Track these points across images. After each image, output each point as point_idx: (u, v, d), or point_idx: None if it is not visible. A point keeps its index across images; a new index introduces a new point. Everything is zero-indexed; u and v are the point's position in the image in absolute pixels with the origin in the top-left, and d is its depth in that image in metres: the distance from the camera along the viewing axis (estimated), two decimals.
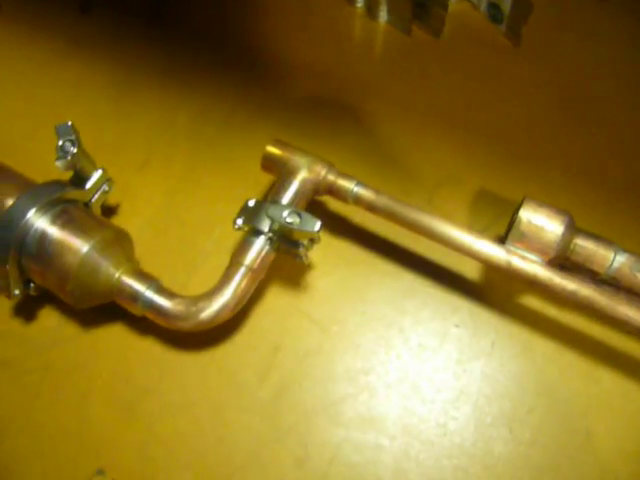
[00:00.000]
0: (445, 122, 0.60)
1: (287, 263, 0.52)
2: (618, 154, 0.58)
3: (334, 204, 0.56)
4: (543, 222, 0.46)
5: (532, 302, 0.52)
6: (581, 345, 0.50)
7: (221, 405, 0.49)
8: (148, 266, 0.51)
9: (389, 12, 0.65)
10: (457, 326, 0.51)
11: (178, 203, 0.57)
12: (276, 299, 0.53)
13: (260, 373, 0.50)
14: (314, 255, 0.53)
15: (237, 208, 0.50)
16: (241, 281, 0.48)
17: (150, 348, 0.51)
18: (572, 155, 0.58)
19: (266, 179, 0.57)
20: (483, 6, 0.64)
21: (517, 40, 0.63)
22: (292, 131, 0.58)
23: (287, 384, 0.50)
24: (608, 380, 0.49)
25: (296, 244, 0.48)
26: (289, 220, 0.45)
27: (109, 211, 0.56)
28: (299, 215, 0.45)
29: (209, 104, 0.62)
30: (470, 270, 0.53)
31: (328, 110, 0.61)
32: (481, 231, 0.48)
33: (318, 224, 0.45)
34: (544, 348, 0.51)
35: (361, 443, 0.48)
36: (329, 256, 0.54)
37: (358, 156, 0.58)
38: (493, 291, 0.53)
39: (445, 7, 0.61)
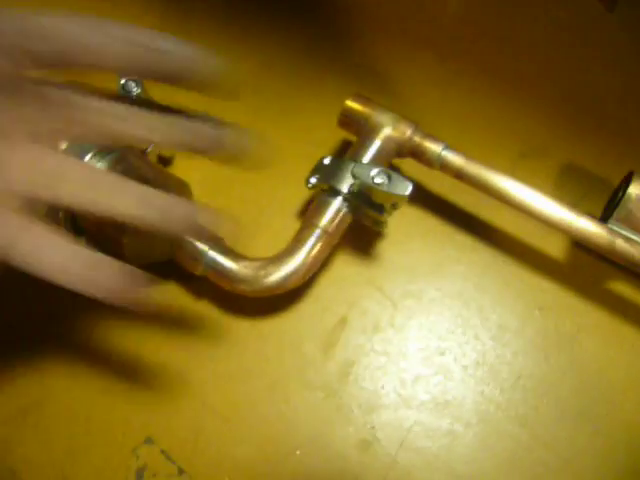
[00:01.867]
0: (531, 88, 0.55)
1: (357, 230, 0.48)
2: None
3: (409, 169, 0.51)
4: None
5: (622, 288, 0.48)
6: None
7: (281, 378, 0.46)
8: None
9: None
10: (541, 309, 0.47)
11: None
12: (344, 267, 0.49)
13: (325, 347, 0.46)
14: (388, 224, 0.48)
15: (304, 167, 0.45)
16: (315, 245, 0.43)
17: (205, 312, 0.47)
18: None
19: (335, 137, 0.52)
20: None
21: (612, 4, 0.58)
22: (366, 87, 0.53)
23: (354, 360, 0.46)
24: None
25: (377, 208, 0.43)
26: (378, 180, 0.41)
27: (164, 162, 0.52)
28: (388, 176, 0.41)
29: (275, 55, 0.57)
30: (556, 249, 0.49)
31: (409, 69, 0.56)
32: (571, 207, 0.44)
33: (410, 187, 0.41)
34: (634, 339, 0.47)
35: (433, 428, 0.44)
36: (403, 225, 0.50)
37: (438, 119, 0.53)
38: (580, 274, 0.48)
39: None
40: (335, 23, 0.59)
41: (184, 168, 0.52)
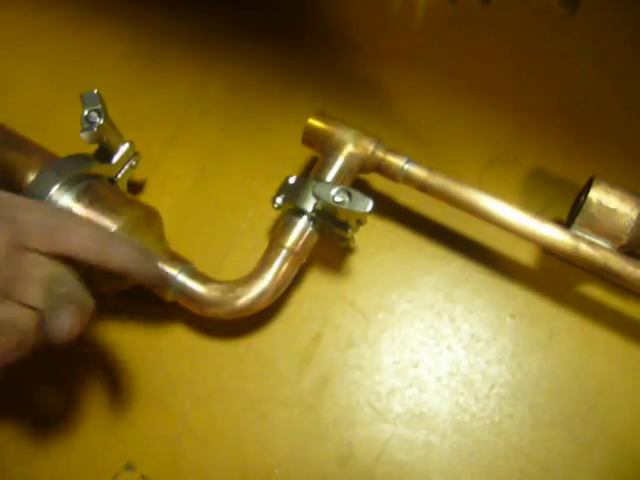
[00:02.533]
0: (496, 96, 0.56)
1: (327, 245, 0.48)
2: None
3: (376, 182, 0.52)
4: (616, 204, 0.42)
5: (593, 291, 0.48)
6: None
7: (258, 397, 0.46)
8: (178, 247, 0.47)
9: None
10: (512, 316, 0.47)
11: (209, 180, 0.53)
12: (315, 284, 0.49)
13: (300, 364, 0.47)
14: (356, 238, 0.49)
15: (272, 186, 0.46)
16: (282, 265, 0.44)
17: (180, 335, 0.48)
18: (637, 135, 0.53)
19: (303, 155, 0.53)
20: None
21: (573, 7, 0.58)
22: (332, 104, 0.54)
23: (329, 376, 0.46)
24: None
25: (342, 225, 0.44)
26: (338, 199, 0.41)
27: (135, 188, 0.52)
28: (349, 194, 0.41)
29: (243, 75, 0.58)
30: (525, 256, 0.49)
31: (371, 83, 0.57)
32: (538, 213, 0.44)
33: (370, 204, 0.41)
34: (607, 342, 0.47)
35: (410, 440, 0.44)
36: (372, 238, 0.50)
37: (404, 132, 0.54)
38: (551, 279, 0.49)
39: None
40: (301, 43, 0.60)
41: (155, 193, 0.53)
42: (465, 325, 0.47)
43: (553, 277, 0.49)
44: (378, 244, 0.50)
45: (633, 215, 0.42)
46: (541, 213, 0.50)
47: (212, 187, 0.53)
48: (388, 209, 0.51)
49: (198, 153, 0.55)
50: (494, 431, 0.44)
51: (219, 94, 0.57)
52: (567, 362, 0.46)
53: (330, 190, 0.42)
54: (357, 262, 0.50)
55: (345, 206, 0.41)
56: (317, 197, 0.42)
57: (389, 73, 0.57)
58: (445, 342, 0.47)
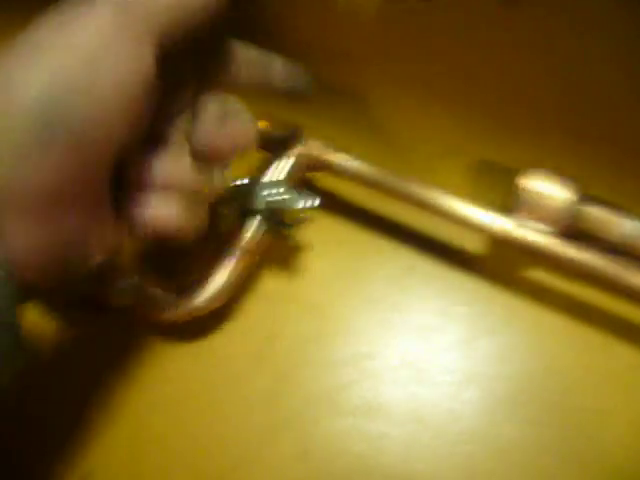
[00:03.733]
0: (442, 92, 0.57)
1: (279, 245, 0.49)
2: (623, 119, 0.56)
3: (325, 181, 0.53)
4: (550, 190, 0.44)
5: (540, 276, 0.50)
6: (593, 320, 0.48)
7: (217, 397, 0.46)
8: (133, 254, 0.48)
9: None
10: (462, 304, 0.49)
11: None
12: (269, 284, 0.50)
13: (257, 362, 0.47)
14: (307, 236, 0.50)
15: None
16: (236, 264, 0.45)
17: (136, 340, 0.48)
18: (575, 122, 0.55)
19: (258, 157, 0.53)
20: None
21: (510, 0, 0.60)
22: (283, 106, 0.54)
23: (286, 373, 0.47)
24: (622, 355, 0.47)
25: (290, 223, 0.45)
26: (283, 197, 0.42)
27: None
28: (294, 192, 0.43)
29: None
30: (474, 245, 0.51)
31: (321, 85, 0.58)
32: (488, 203, 0.45)
33: (316, 200, 0.42)
34: (554, 324, 0.48)
35: (367, 432, 0.45)
36: (323, 237, 0.51)
37: (354, 131, 0.55)
38: (498, 266, 0.50)
39: None
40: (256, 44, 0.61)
41: None
42: (416, 315, 0.48)
43: (500, 264, 0.50)
44: (329, 242, 0.51)
45: (566, 199, 0.43)
46: (491, 202, 0.51)
47: None
48: (337, 207, 0.52)
49: None
50: (449, 418, 0.45)
51: None
52: (519, 346, 0.48)
53: (276, 189, 0.42)
54: (309, 260, 0.50)
55: (289, 203, 0.42)
56: (263, 196, 0.43)
57: (337, 74, 0.58)
58: (398, 333, 0.48)
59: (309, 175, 0.50)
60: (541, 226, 0.44)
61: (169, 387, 0.46)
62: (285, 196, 0.42)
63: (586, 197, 0.45)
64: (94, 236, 0.29)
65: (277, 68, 0.39)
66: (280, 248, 0.50)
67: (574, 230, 0.45)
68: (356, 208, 0.52)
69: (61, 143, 0.24)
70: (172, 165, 0.31)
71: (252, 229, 0.45)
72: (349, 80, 0.58)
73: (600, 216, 0.44)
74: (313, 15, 0.62)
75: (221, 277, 0.44)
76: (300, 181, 0.48)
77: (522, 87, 0.58)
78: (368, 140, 0.55)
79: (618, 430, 0.45)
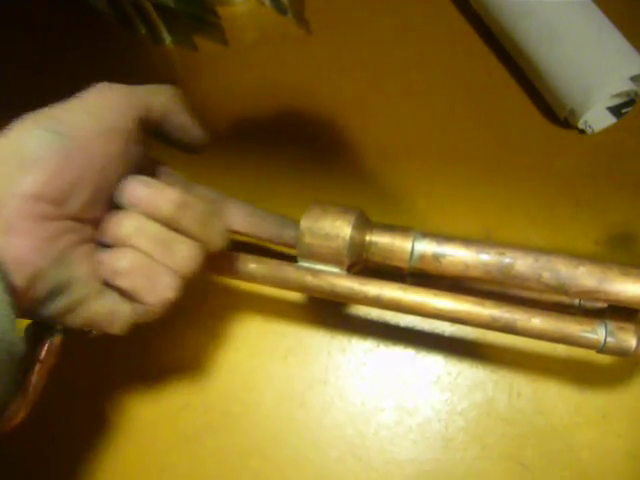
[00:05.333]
0: (253, 132, 0.55)
1: None
2: (429, 122, 0.54)
3: None
4: (328, 229, 0.41)
5: (361, 310, 0.48)
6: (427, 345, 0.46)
7: None
8: None
9: (170, 33, 0.60)
10: (287, 355, 0.47)
11: None
12: None
13: None
14: None
15: None
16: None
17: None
18: (380, 133, 0.54)
19: None
20: (267, 1, 0.60)
21: (306, 26, 0.58)
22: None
23: None
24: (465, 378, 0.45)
25: None
26: None
27: None
28: None
29: None
30: (293, 296, 0.49)
31: None
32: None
33: None
34: (384, 359, 0.46)
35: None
36: None
37: None
38: (316, 314, 0.48)
39: (216, 14, 0.56)
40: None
41: None
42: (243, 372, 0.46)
43: (317, 313, 0.48)
44: None
45: (346, 234, 0.41)
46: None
47: None
48: None
49: None
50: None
51: None
52: (346, 387, 0.45)
53: None
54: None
55: None
56: None
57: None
58: (220, 399, 0.46)
59: None
60: (329, 267, 0.42)
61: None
62: None
63: (373, 225, 0.42)
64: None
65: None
66: None
67: (367, 263, 0.43)
68: None
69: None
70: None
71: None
72: None
73: (387, 243, 0.42)
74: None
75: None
76: None
77: (327, 112, 0.56)
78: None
79: None
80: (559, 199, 0.50)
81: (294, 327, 0.48)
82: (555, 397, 0.44)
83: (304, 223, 0.42)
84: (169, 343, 0.47)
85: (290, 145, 0.54)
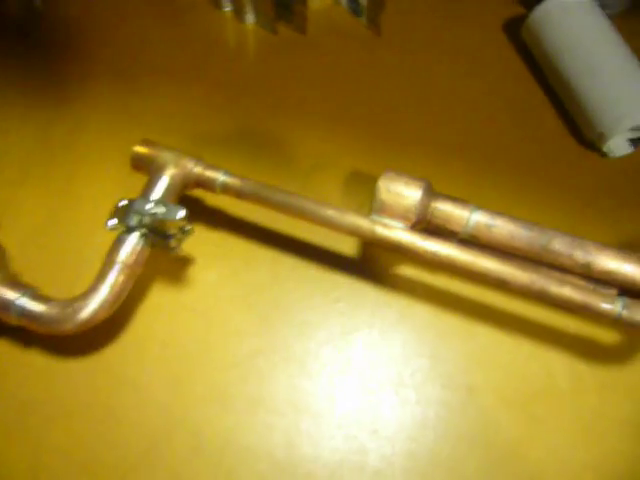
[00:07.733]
0: (315, 113, 0.63)
1: (167, 260, 0.53)
2: (473, 130, 0.62)
3: (210, 199, 0.57)
4: (401, 189, 0.49)
5: (407, 271, 0.55)
6: (456, 306, 0.53)
7: (113, 406, 0.49)
8: (32, 279, 0.51)
9: (255, 14, 0.67)
10: (338, 301, 0.53)
11: (60, 215, 0.57)
12: (159, 296, 0.53)
13: (150, 370, 0.50)
14: (194, 250, 0.54)
15: None
16: (117, 278, 0.48)
17: (33, 359, 0.51)
18: (432, 133, 0.61)
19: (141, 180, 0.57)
20: (344, 1, 0.67)
21: (377, 30, 0.66)
22: (163, 131, 0.59)
23: (179, 377, 0.50)
24: (484, 335, 0.52)
25: (168, 236, 0.48)
26: (154, 211, 0.46)
27: None
28: (164, 205, 0.46)
29: (84, 117, 0.63)
30: (348, 248, 0.55)
31: (202, 109, 0.63)
32: (356, 209, 0.50)
33: (183, 211, 0.46)
34: (422, 313, 0.53)
35: (252, 424, 0.49)
36: (208, 249, 0.55)
37: (232, 151, 0.60)
38: (370, 265, 0.55)
39: (305, 3, 0.64)
40: (137, 80, 0.66)
41: (8, 231, 0.56)
42: (296, 313, 0.52)
43: (372, 264, 0.55)
44: (214, 254, 0.55)
45: (416, 196, 0.48)
46: (359, 208, 0.56)
47: (62, 221, 0.57)
48: (220, 222, 0.56)
49: (48, 191, 0.59)
50: (327, 405, 0.49)
51: (64, 136, 0.62)
52: (388, 335, 0.52)
53: (147, 204, 0.46)
54: (196, 272, 0.54)
55: (161, 216, 0.46)
56: (137, 212, 0.47)
57: (218, 101, 0.63)
58: (279, 331, 0.52)
59: (191, 193, 0.55)
60: (396, 222, 0.49)
61: (68, 401, 0.49)
62: (157, 210, 0.46)
63: (437, 194, 0.50)
64: None
65: None
66: (170, 263, 0.53)
67: (428, 225, 0.50)
68: (238, 222, 0.56)
69: None
70: None
71: (131, 245, 0.49)
72: (227, 103, 0.63)
73: (448, 210, 0.49)
74: (196, 45, 0.67)
75: (103, 290, 0.48)
76: (179, 198, 0.52)
77: (388, 105, 0.64)
78: (242, 158, 0.60)
79: (486, 403, 0.50)
80: (581, 208, 0.58)
81: (346, 279, 0.54)
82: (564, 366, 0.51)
83: (382, 182, 0.49)
84: None
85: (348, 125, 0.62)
